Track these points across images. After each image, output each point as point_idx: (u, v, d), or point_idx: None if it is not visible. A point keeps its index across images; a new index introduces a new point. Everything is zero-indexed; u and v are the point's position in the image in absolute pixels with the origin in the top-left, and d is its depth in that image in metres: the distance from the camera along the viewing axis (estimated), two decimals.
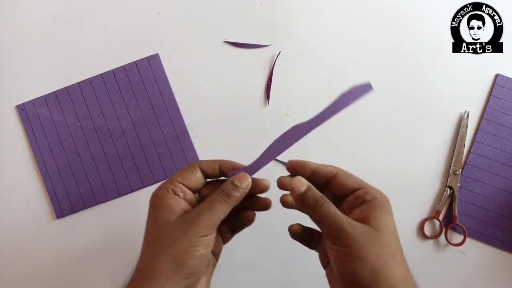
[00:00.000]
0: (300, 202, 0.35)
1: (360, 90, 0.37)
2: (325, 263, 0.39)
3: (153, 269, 0.33)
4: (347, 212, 0.35)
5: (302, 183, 0.35)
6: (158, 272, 0.33)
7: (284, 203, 0.39)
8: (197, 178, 0.37)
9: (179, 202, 0.36)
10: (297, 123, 0.37)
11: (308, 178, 0.37)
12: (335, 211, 0.34)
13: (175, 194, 0.36)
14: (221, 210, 0.35)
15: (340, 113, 0.37)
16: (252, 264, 0.59)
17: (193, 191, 0.38)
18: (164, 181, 0.37)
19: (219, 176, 0.39)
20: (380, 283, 0.31)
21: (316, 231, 0.40)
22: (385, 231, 0.33)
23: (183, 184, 0.36)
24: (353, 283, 0.32)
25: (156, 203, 0.36)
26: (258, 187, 0.38)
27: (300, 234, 0.40)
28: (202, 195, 0.39)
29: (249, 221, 0.40)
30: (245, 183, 0.37)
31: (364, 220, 0.33)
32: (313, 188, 0.35)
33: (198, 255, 0.33)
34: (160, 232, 0.34)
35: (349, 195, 0.36)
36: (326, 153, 0.60)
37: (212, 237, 0.35)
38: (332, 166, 0.38)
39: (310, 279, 0.58)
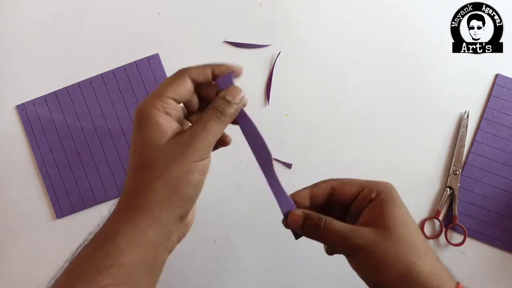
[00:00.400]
0: (305, 234, 0.34)
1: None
2: None
3: (144, 198, 0.30)
4: (357, 217, 0.34)
5: (298, 215, 0.34)
6: (150, 201, 0.29)
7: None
8: (187, 89, 0.32)
9: (170, 123, 0.31)
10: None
11: (310, 206, 0.35)
12: (339, 228, 0.32)
13: (166, 113, 0.31)
14: (216, 130, 0.32)
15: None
16: (252, 264, 0.59)
17: (180, 103, 0.34)
18: (150, 94, 0.32)
19: (210, 83, 0.34)
20: (409, 284, 0.29)
21: None
22: (397, 226, 0.31)
23: (173, 99, 0.32)
24: None
25: (143, 122, 0.31)
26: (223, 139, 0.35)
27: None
28: (190, 109, 0.35)
29: (226, 144, 0.37)
30: (238, 96, 0.33)
31: (374, 221, 0.32)
32: (310, 215, 0.33)
33: (195, 182, 0.30)
34: (151, 157, 0.30)
35: (355, 200, 0.34)
36: (326, 154, 0.60)
37: (208, 160, 0.32)
38: (324, 181, 0.36)
39: (310, 279, 0.58)
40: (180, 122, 0.33)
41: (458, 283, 0.30)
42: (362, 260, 0.31)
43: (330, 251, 0.36)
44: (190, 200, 0.31)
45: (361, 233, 0.31)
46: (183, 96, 0.32)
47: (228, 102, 0.33)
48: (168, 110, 0.31)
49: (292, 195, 0.35)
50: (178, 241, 0.33)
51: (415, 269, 0.29)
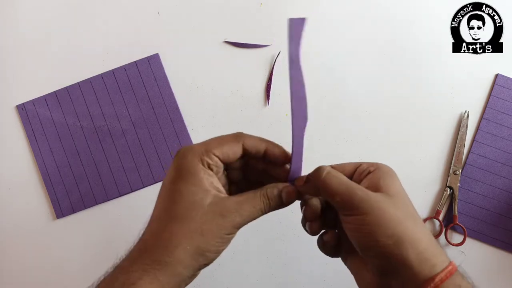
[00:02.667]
0: (304, 188, 0.34)
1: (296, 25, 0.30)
2: (343, 254, 0.36)
3: (172, 255, 0.29)
4: None
5: (302, 178, 0.34)
6: (177, 260, 0.29)
7: (312, 229, 0.36)
8: (235, 154, 0.32)
9: (213, 181, 0.31)
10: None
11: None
12: (342, 177, 0.31)
13: (209, 168, 0.31)
14: (256, 216, 0.32)
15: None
16: (252, 264, 0.59)
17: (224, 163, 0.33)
18: (196, 143, 0.32)
19: (260, 158, 0.34)
20: (407, 249, 0.28)
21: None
22: (399, 195, 0.31)
23: (219, 158, 0.32)
24: (378, 255, 0.29)
25: (186, 172, 0.31)
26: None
27: (334, 242, 0.35)
28: (230, 166, 0.35)
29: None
30: (290, 201, 0.33)
31: (375, 188, 0.31)
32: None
33: (221, 250, 0.31)
34: (188, 214, 0.30)
35: (353, 175, 0.34)
36: (326, 154, 0.60)
37: (234, 235, 0.32)
38: (319, 169, 0.34)
39: (310, 279, 0.58)
40: (221, 182, 0.33)
41: (450, 262, 0.30)
42: (361, 217, 0.29)
43: (314, 227, 0.35)
44: (209, 263, 0.32)
45: (366, 190, 0.30)
46: (229, 159, 0.32)
47: (280, 200, 0.33)
48: (212, 167, 0.31)
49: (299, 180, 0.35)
50: None
51: (414, 235, 0.29)
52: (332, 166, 0.34)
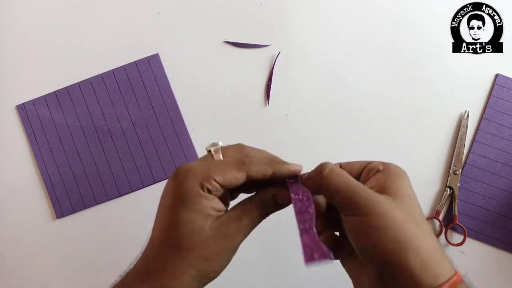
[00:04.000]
0: (306, 183, 0.32)
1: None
2: (343, 256, 0.36)
3: (178, 279, 0.29)
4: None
5: (303, 175, 0.33)
6: (183, 283, 0.30)
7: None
8: (237, 182, 0.31)
9: (214, 205, 0.31)
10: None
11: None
12: (345, 175, 0.30)
13: (209, 193, 0.31)
14: (255, 225, 0.33)
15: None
16: (252, 264, 0.59)
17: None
18: (196, 163, 0.31)
19: (269, 180, 0.33)
20: (408, 255, 0.27)
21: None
22: (405, 198, 0.29)
23: (220, 184, 0.31)
24: (378, 259, 0.28)
25: (185, 197, 0.30)
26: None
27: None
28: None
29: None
30: (288, 202, 0.33)
31: (380, 189, 0.30)
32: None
33: (226, 266, 0.32)
34: (191, 241, 0.30)
35: (361, 173, 0.33)
36: (326, 154, 0.60)
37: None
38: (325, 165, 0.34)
39: (310, 279, 0.58)
40: (222, 199, 0.32)
41: (456, 272, 0.29)
42: (362, 218, 0.28)
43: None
44: (215, 277, 0.32)
45: (370, 191, 0.29)
46: (230, 185, 0.31)
47: (275, 204, 0.33)
48: (212, 191, 0.31)
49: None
50: None
51: (416, 243, 0.27)
52: (340, 165, 0.34)
